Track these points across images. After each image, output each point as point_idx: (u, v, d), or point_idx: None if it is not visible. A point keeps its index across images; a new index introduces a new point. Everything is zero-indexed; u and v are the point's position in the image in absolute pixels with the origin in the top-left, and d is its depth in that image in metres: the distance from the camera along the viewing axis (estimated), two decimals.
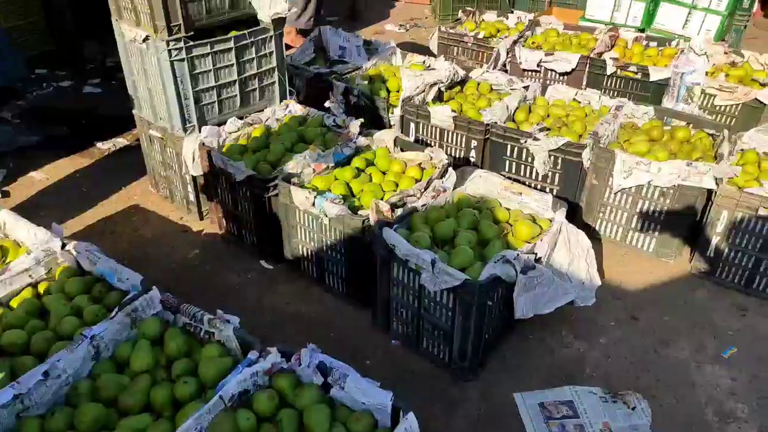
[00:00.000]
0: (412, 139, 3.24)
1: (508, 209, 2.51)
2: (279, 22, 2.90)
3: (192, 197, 3.01)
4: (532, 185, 2.93)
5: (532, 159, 2.90)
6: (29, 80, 4.50)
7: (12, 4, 4.57)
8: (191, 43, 2.64)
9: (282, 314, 2.49)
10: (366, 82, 3.57)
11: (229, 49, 2.80)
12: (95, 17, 4.66)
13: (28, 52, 4.64)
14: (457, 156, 3.14)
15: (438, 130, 3.17)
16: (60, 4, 4.81)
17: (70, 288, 1.98)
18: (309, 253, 2.58)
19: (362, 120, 3.08)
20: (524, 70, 3.99)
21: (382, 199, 2.41)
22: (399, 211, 2.35)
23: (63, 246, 2.09)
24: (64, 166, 3.49)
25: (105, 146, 3.70)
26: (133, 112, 3.07)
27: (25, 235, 2.22)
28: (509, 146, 2.96)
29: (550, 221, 2.40)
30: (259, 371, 1.64)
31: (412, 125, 3.25)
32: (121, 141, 3.76)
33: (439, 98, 3.42)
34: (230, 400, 1.56)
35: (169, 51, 2.60)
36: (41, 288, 2.03)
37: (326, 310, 2.52)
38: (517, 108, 3.24)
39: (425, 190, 2.48)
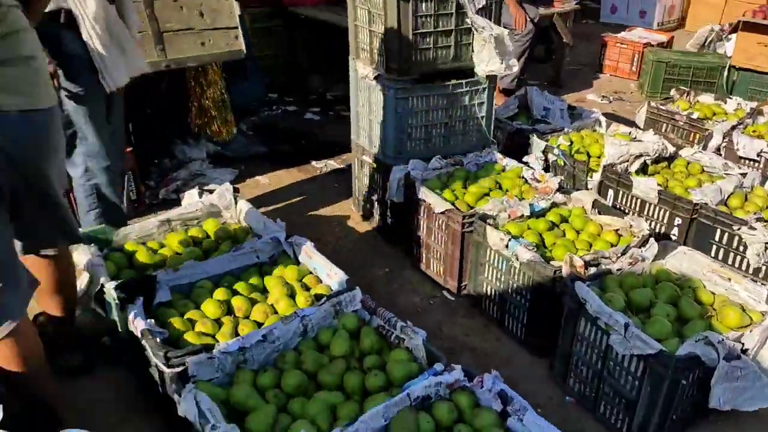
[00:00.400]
0: (609, 205, 3.18)
1: (713, 293, 2.34)
2: (492, 78, 3.11)
3: (389, 221, 3.25)
4: None
5: (744, 248, 2.69)
6: (264, 102, 5.25)
7: (265, 38, 5.44)
8: (415, 84, 2.92)
9: (461, 345, 2.56)
10: (567, 143, 3.60)
11: (446, 95, 3.05)
12: (322, 56, 5.41)
13: (266, 78, 5.43)
14: (656, 230, 3.01)
15: (638, 201, 3.08)
16: (296, 44, 5.61)
17: (287, 273, 2.26)
18: (493, 292, 2.64)
19: (561, 178, 3.11)
20: (740, 157, 3.72)
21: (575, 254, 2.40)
22: (592, 270, 2.32)
23: (287, 237, 2.40)
24: (283, 176, 4.00)
25: (318, 165, 4.16)
26: (352, 138, 3.44)
27: (256, 225, 2.59)
28: (719, 231, 2.77)
29: (763, 315, 2.19)
30: (442, 382, 1.73)
31: (611, 192, 3.20)
32: (332, 163, 4.19)
33: (643, 170, 3.32)
34: (415, 400, 1.66)
35: (396, 89, 2.91)
36: (264, 269, 2.34)
37: (503, 350, 2.54)
38: (731, 194, 3.03)
39: (622, 255, 2.42)
